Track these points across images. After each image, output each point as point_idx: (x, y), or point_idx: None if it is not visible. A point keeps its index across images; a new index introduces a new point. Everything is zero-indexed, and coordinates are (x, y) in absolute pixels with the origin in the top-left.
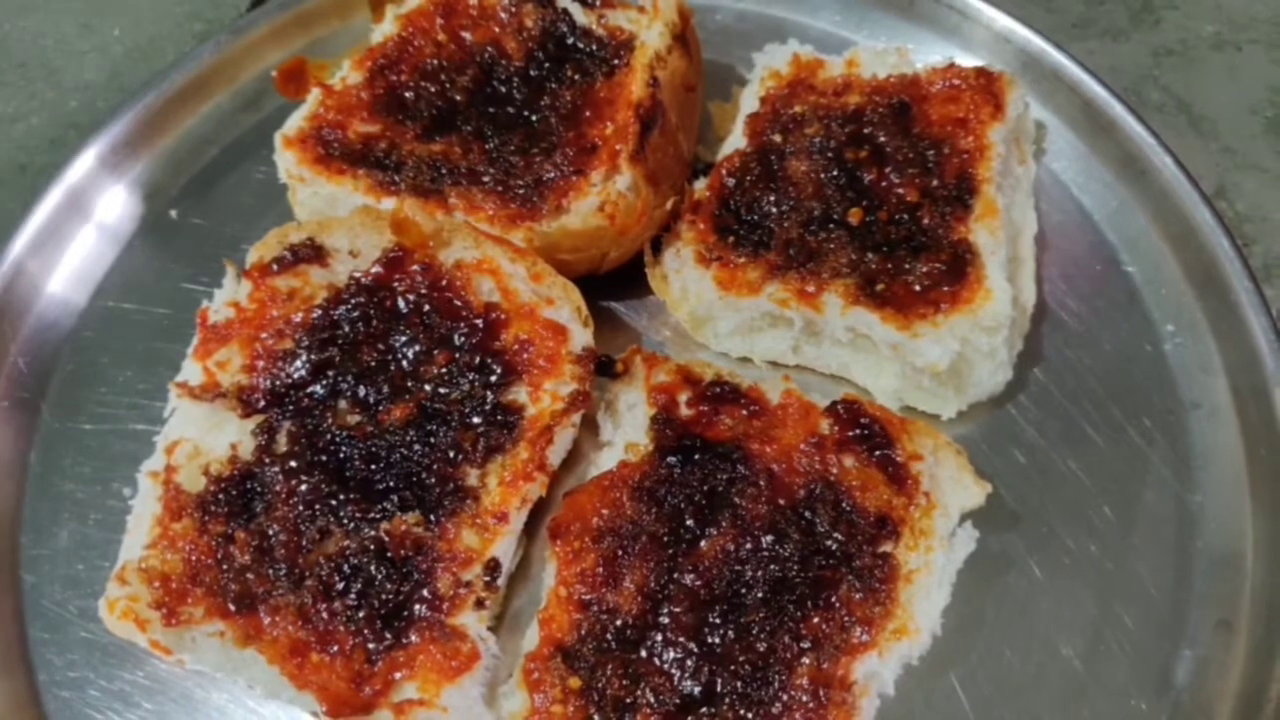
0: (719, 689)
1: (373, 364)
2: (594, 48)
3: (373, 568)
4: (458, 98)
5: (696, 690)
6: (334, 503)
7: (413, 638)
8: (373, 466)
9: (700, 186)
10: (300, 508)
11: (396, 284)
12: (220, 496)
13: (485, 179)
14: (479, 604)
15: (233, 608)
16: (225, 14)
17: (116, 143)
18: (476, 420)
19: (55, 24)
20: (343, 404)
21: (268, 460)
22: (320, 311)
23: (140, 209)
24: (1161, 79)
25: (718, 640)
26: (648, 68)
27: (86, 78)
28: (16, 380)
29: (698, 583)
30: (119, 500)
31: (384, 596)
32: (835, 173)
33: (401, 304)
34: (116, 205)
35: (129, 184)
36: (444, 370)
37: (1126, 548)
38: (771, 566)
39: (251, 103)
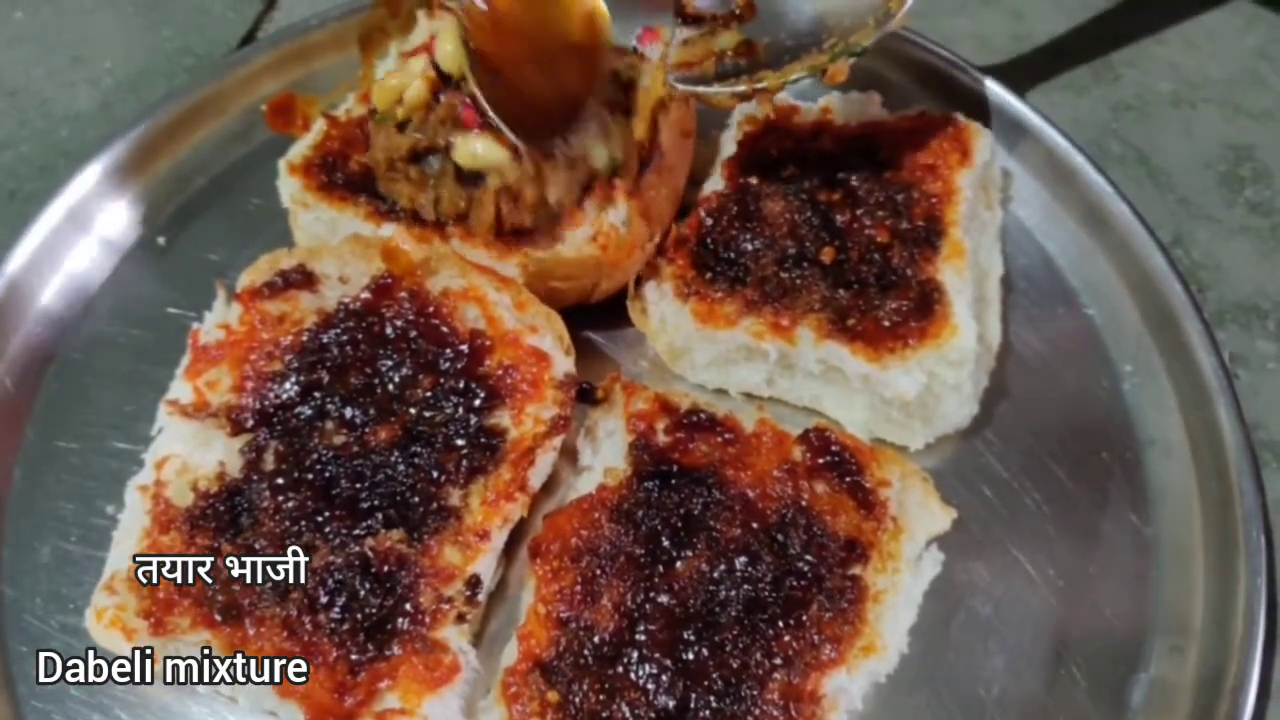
0: (693, 703)
1: (360, 386)
2: None
3: (357, 582)
4: None
5: (671, 704)
6: (319, 519)
7: (395, 649)
8: (358, 485)
9: (680, 225)
10: (286, 523)
11: (384, 310)
12: (208, 511)
13: None
14: (460, 618)
15: (219, 618)
16: (216, 49)
17: (107, 170)
18: (460, 442)
19: (47, 55)
20: (330, 424)
21: (255, 477)
22: (309, 335)
23: (129, 235)
24: (1121, 132)
25: (692, 656)
26: (651, 110)
27: (77, 107)
28: (2, 399)
29: (673, 601)
30: (101, 518)
31: (368, 609)
32: (809, 213)
33: (389, 329)
34: (105, 231)
35: (118, 210)
36: (429, 393)
37: (1085, 576)
38: (745, 586)
39: (240, 135)
